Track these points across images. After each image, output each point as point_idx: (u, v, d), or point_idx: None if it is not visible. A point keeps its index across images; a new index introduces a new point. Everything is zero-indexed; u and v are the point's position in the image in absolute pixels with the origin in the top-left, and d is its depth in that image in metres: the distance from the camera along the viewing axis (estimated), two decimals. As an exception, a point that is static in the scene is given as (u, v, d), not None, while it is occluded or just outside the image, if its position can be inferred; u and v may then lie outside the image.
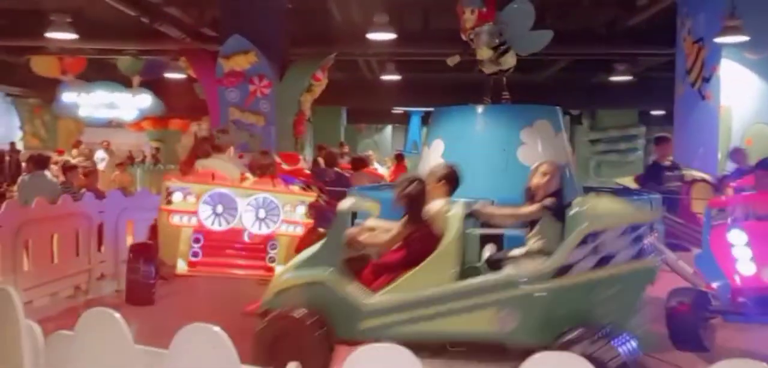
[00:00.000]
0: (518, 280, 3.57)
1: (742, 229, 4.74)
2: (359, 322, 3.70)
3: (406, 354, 1.66)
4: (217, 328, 1.81)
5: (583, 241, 3.45)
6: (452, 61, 6.07)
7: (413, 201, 3.87)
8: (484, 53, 5.78)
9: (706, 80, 8.34)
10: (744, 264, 4.55)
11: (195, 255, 5.47)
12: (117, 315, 1.97)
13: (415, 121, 22.51)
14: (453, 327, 3.62)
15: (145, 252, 5.78)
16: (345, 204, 4.01)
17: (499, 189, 4.65)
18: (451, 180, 4.05)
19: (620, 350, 3.26)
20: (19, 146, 18.13)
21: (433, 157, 5.45)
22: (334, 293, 3.75)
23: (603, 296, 3.47)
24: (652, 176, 7.02)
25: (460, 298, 3.60)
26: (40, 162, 8.32)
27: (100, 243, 7.44)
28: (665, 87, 10.56)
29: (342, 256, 3.86)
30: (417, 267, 3.72)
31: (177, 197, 5.49)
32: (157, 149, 17.36)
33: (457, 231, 3.72)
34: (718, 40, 7.62)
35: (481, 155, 5.15)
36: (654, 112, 18.31)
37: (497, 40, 5.65)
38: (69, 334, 2.06)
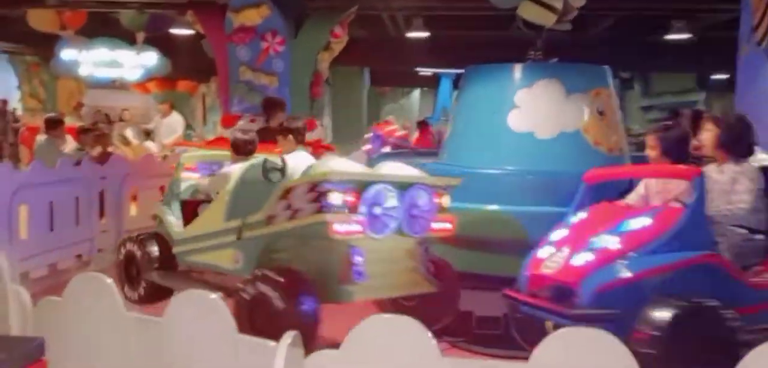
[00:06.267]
0: (239, 226, 4.64)
1: (586, 211, 4.22)
2: (174, 247, 5.24)
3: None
4: (213, 295, 1.85)
5: (283, 196, 4.33)
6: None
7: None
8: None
9: (775, 38, 8.10)
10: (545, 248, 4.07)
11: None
12: (108, 280, 2.02)
13: (446, 84, 22.07)
14: (213, 261, 4.90)
15: None
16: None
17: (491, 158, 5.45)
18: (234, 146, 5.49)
19: (300, 301, 4.00)
20: (18, 106, 18.38)
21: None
22: (163, 223, 5.42)
23: (289, 243, 4.46)
24: None
25: (215, 238, 4.84)
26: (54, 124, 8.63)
27: (102, 212, 7.55)
28: (727, 48, 10.31)
29: (177, 196, 5.49)
30: (206, 210, 5.11)
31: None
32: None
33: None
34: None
35: (473, 119, 5.82)
36: (714, 77, 17.91)
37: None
38: (58, 300, 2.12)
